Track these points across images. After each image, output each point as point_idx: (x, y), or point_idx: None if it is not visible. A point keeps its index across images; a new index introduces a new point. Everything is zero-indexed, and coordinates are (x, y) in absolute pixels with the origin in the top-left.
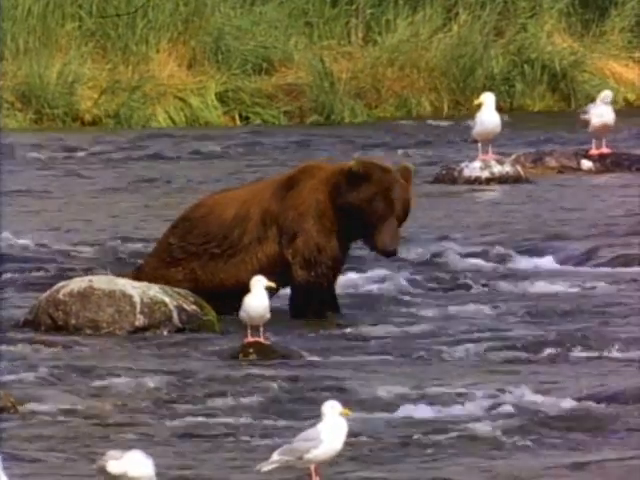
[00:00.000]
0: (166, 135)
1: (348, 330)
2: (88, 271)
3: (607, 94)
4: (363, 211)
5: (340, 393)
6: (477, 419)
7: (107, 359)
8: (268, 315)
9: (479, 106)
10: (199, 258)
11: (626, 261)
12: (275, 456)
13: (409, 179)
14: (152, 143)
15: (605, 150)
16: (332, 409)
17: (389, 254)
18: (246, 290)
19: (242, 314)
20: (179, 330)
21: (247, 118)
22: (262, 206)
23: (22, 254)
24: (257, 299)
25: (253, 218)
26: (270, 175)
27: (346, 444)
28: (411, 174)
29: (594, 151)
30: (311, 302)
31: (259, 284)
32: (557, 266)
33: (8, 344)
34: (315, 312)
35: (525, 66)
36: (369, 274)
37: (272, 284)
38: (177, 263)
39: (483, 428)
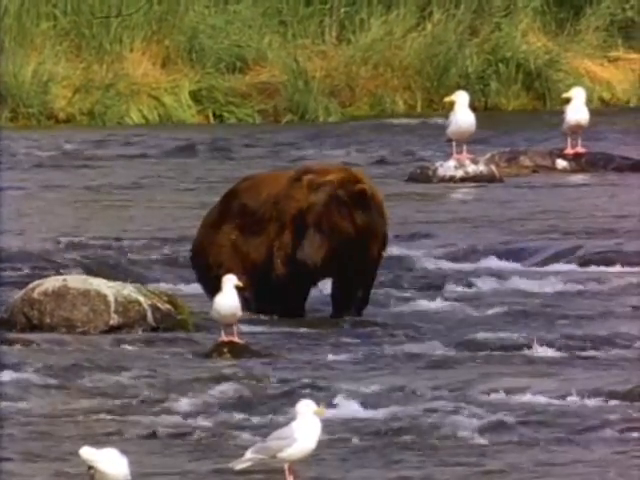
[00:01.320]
0: (139, 133)
1: (323, 329)
2: (63, 270)
3: (578, 91)
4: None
5: (315, 392)
6: (459, 418)
7: (81, 358)
8: (239, 313)
9: (451, 104)
10: (238, 230)
11: (601, 260)
12: (248, 454)
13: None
14: (125, 141)
15: (580, 149)
16: (306, 408)
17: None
18: (265, 270)
19: (213, 313)
20: (153, 329)
21: (221, 117)
22: (280, 189)
23: None
24: (227, 298)
25: (272, 199)
26: (244, 174)
27: (320, 443)
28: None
29: (569, 150)
30: (289, 298)
31: (229, 283)
32: (532, 266)
33: None
34: (293, 309)
35: (500, 65)
36: None
37: (240, 283)
38: (221, 230)
39: (466, 427)
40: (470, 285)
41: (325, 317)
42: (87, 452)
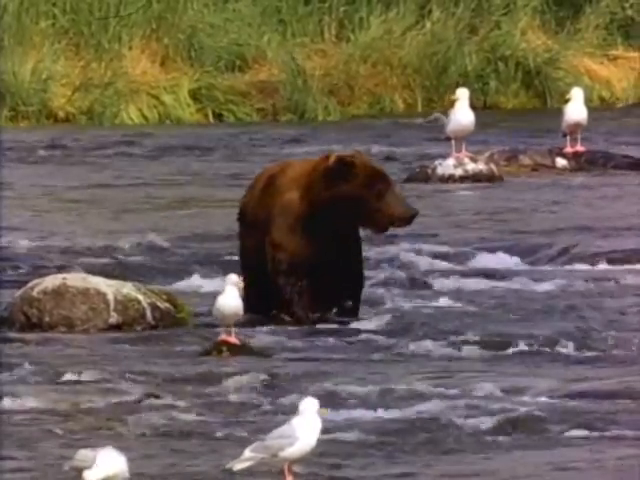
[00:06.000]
0: (139, 132)
1: (322, 328)
2: (62, 269)
3: (576, 90)
4: (361, 197)
5: (314, 391)
6: (459, 417)
7: (81, 357)
8: (241, 313)
9: (454, 102)
10: (255, 228)
11: (598, 259)
12: (247, 453)
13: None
14: (125, 140)
15: (580, 148)
16: (310, 406)
17: (410, 220)
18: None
19: (215, 312)
20: (152, 327)
21: (220, 115)
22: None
23: None
24: (230, 297)
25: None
26: (249, 172)
27: (320, 442)
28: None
29: (569, 149)
30: (285, 297)
31: (231, 282)
32: (531, 265)
33: None
34: (287, 307)
35: (499, 63)
36: None
37: (241, 282)
38: (247, 230)
39: (468, 426)
40: (469, 284)
41: (323, 316)
42: (90, 476)
